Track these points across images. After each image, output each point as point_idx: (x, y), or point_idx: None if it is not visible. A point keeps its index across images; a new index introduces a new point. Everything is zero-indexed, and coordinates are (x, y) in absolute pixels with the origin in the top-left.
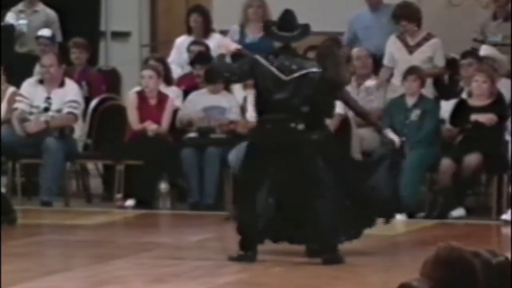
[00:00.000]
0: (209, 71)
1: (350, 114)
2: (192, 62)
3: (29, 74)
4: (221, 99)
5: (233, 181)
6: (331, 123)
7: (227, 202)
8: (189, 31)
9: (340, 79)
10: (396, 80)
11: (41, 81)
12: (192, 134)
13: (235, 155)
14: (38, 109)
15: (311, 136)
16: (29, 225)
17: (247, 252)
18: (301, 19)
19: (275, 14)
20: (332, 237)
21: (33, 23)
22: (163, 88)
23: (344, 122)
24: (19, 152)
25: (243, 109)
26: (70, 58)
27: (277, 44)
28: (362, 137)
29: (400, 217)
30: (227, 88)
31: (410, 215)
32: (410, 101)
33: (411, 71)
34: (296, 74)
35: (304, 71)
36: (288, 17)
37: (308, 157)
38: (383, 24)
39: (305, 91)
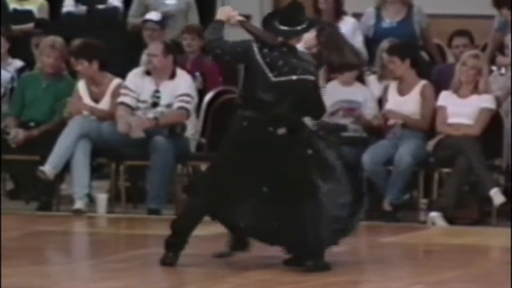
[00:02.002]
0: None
1: (501, 109)
2: None
3: None
4: (355, 92)
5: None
6: (480, 120)
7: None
8: (317, 14)
9: (347, 61)
10: None
11: (148, 72)
12: None
13: (370, 155)
14: (145, 104)
15: (291, 140)
16: (135, 236)
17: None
18: (449, 1)
19: None
20: (318, 243)
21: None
22: None
23: (495, 118)
24: (123, 152)
25: (380, 104)
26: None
27: (279, 38)
28: None
29: None
30: (361, 79)
31: None
32: None
33: None
34: (284, 78)
35: (294, 77)
36: (293, 9)
37: (294, 160)
38: None
39: (291, 98)
